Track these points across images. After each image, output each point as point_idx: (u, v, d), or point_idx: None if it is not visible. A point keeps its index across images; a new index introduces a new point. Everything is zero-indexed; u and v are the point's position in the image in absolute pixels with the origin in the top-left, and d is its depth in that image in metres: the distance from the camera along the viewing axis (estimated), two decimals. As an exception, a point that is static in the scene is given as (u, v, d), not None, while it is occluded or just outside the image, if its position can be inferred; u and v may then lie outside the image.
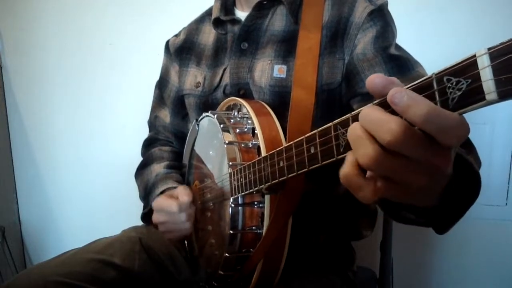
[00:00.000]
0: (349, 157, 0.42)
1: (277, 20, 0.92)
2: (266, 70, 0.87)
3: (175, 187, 0.94)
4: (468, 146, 0.65)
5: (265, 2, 0.92)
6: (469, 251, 1.42)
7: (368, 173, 0.42)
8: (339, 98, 0.86)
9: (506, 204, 1.36)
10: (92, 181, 1.73)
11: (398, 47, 0.85)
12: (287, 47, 0.88)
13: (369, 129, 0.38)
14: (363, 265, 1.12)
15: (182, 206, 0.85)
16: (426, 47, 1.32)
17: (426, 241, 1.46)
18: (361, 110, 0.39)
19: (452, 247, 1.43)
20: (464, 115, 0.34)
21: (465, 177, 0.50)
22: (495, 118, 1.33)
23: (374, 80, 0.39)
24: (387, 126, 0.36)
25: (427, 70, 0.81)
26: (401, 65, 0.80)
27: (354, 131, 0.40)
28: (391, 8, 0.87)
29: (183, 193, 0.87)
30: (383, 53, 0.81)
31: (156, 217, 0.90)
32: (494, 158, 1.34)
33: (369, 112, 0.38)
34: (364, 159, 0.38)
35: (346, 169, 0.42)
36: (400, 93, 0.35)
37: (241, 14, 0.97)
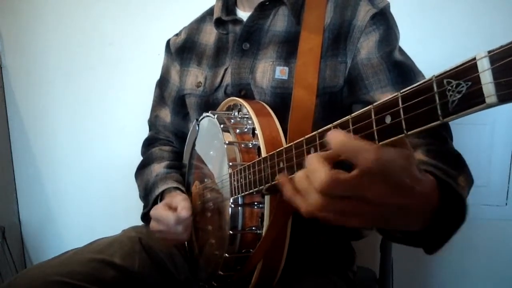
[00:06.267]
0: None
1: (279, 21, 0.91)
2: (268, 71, 0.87)
3: (175, 187, 0.95)
4: (461, 167, 0.65)
5: (267, 3, 0.92)
6: (469, 251, 1.42)
7: None
8: (341, 100, 0.86)
9: (506, 204, 1.36)
10: (92, 181, 1.73)
11: (401, 51, 0.85)
12: (289, 48, 0.88)
13: (308, 176, 0.44)
14: (363, 265, 1.12)
15: (180, 219, 0.83)
16: (427, 48, 1.32)
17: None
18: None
19: (452, 247, 1.42)
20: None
21: (451, 201, 0.51)
22: (495, 118, 1.33)
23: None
24: (317, 174, 0.42)
25: (428, 70, 0.81)
26: (404, 73, 0.81)
27: (301, 181, 0.46)
28: (392, 8, 0.87)
29: (182, 206, 0.83)
30: (387, 60, 0.81)
31: (153, 225, 0.88)
32: (494, 158, 1.34)
33: (309, 158, 0.44)
34: (310, 207, 0.46)
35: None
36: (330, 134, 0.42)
37: (243, 14, 0.97)
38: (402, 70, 0.81)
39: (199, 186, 0.93)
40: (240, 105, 0.84)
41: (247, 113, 0.81)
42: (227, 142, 0.77)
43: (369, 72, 0.81)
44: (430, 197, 0.48)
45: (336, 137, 0.41)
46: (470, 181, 0.64)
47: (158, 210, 0.87)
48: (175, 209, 0.85)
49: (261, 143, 0.74)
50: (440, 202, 0.49)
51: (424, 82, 0.35)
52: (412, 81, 0.80)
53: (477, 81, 0.31)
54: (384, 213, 0.45)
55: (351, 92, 0.84)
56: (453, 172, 0.57)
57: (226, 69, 0.94)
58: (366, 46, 0.83)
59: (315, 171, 0.42)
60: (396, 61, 0.82)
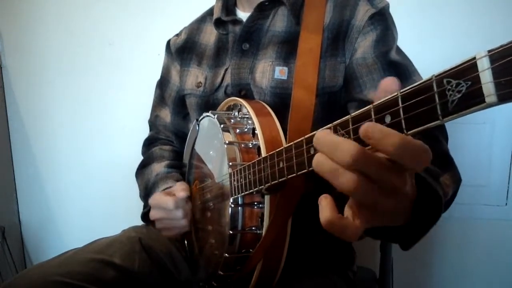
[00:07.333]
0: (324, 202, 0.43)
1: (279, 21, 0.91)
2: (267, 71, 0.87)
3: (175, 186, 0.95)
4: (447, 165, 0.65)
5: (266, 3, 0.92)
6: (469, 251, 1.42)
7: (346, 211, 0.43)
8: (340, 100, 0.86)
9: (506, 204, 1.36)
10: (92, 181, 1.73)
11: (398, 51, 0.85)
12: (288, 48, 0.88)
13: (326, 153, 0.39)
14: (363, 265, 1.12)
15: (179, 202, 0.86)
16: (427, 48, 1.32)
17: (426, 241, 1.46)
18: (316, 134, 0.41)
19: (452, 247, 1.43)
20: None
21: (427, 196, 0.51)
22: (495, 118, 1.33)
23: (392, 85, 0.40)
24: (342, 147, 0.37)
25: (427, 70, 0.81)
26: (399, 72, 0.80)
27: (321, 164, 0.40)
28: (392, 8, 0.87)
29: (179, 189, 0.87)
30: (382, 60, 0.81)
31: (153, 214, 0.90)
32: (494, 158, 1.34)
33: (321, 136, 0.40)
34: (349, 185, 0.38)
35: (328, 215, 0.42)
36: (372, 128, 0.36)
37: (243, 14, 0.97)
38: (397, 69, 0.81)
39: (199, 185, 0.93)
40: (240, 105, 0.84)
41: (247, 113, 0.81)
42: (227, 142, 0.77)
43: (364, 71, 0.81)
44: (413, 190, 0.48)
45: (394, 139, 0.35)
46: (456, 180, 0.64)
47: (157, 197, 0.89)
48: (173, 195, 0.87)
49: (261, 143, 0.74)
50: (417, 196, 0.48)
51: (423, 82, 0.35)
52: (407, 80, 0.80)
53: (477, 80, 0.31)
54: (398, 206, 0.43)
55: (346, 91, 0.84)
56: (434, 170, 0.57)
57: (226, 69, 0.94)
58: (363, 46, 0.83)
59: (340, 143, 0.37)
60: (392, 60, 0.81)
